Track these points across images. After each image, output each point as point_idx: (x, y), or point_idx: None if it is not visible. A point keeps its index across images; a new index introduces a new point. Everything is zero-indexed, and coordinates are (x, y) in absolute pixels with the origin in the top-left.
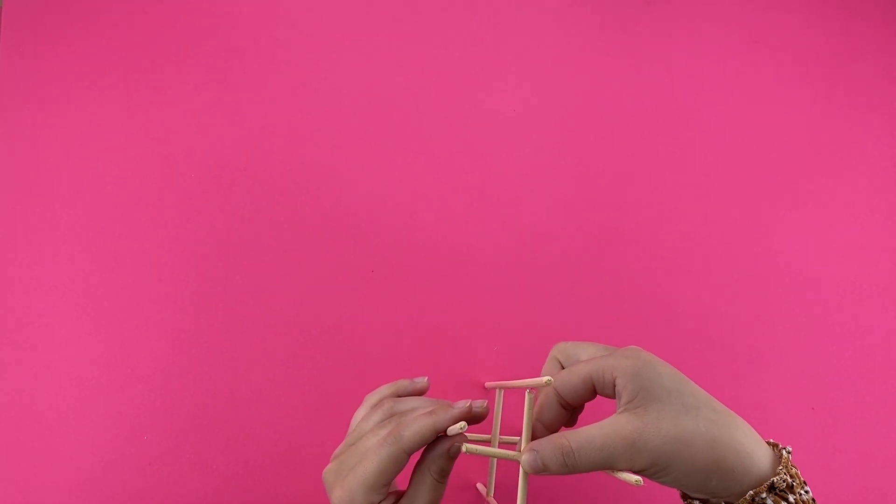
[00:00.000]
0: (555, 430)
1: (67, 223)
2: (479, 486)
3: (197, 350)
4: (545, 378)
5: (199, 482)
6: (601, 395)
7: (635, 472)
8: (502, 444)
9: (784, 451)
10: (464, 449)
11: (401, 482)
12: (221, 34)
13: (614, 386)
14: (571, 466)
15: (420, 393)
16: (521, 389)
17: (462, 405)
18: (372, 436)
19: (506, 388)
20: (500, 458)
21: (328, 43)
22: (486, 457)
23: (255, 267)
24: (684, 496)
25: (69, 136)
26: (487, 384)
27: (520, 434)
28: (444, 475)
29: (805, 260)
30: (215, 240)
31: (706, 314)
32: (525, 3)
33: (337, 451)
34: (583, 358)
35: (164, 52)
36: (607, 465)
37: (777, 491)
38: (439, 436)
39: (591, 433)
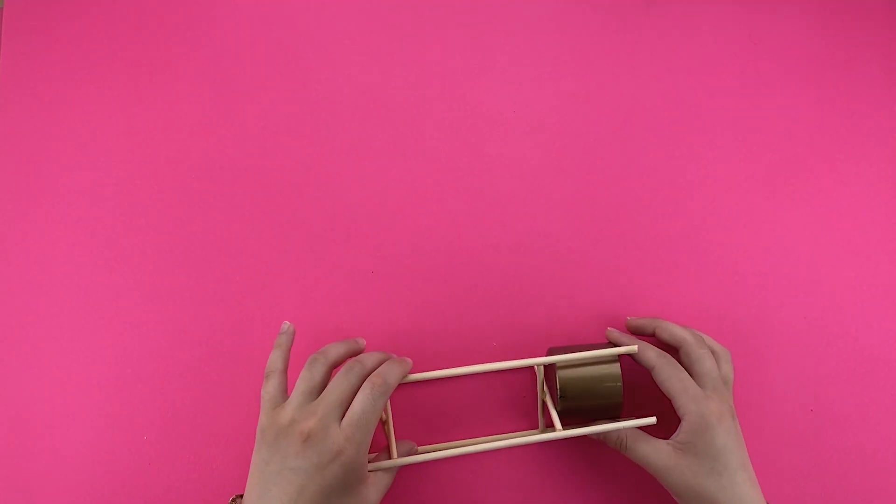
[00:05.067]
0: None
1: (67, 223)
2: None
3: (197, 350)
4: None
5: (199, 482)
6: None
7: None
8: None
9: None
10: None
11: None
12: (222, 34)
13: (679, 414)
14: (622, 450)
15: (361, 351)
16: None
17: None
18: (363, 387)
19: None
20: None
21: (328, 43)
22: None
23: (255, 267)
24: None
25: (69, 135)
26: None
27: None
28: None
29: (805, 260)
30: (215, 240)
31: (705, 314)
32: (525, 3)
33: (299, 397)
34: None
35: (165, 52)
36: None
37: None
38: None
39: (641, 445)
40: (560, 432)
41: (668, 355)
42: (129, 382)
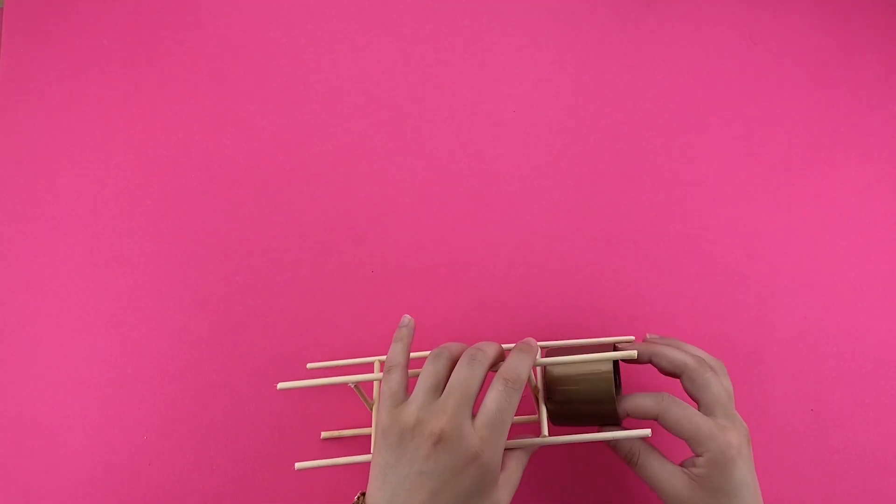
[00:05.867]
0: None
1: (67, 223)
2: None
3: (197, 350)
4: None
5: (199, 482)
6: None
7: None
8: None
9: None
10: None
11: None
12: (222, 34)
13: (697, 453)
14: (631, 464)
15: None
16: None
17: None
18: (495, 383)
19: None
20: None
21: (328, 43)
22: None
23: (256, 267)
24: None
25: (69, 135)
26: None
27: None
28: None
29: (804, 260)
30: (215, 240)
31: (705, 314)
32: (525, 3)
33: (423, 394)
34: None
35: (165, 52)
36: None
37: None
38: None
39: (654, 466)
40: (548, 439)
41: (664, 394)
42: (129, 382)
